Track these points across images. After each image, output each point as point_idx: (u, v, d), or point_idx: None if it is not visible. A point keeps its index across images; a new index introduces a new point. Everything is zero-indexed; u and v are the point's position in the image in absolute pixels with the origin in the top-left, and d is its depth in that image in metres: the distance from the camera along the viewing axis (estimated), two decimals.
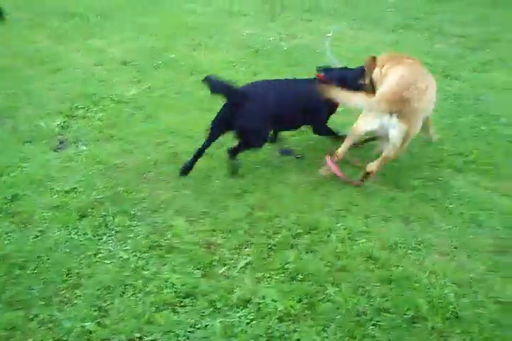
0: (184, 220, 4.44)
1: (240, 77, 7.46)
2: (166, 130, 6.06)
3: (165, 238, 4.23)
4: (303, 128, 5.59)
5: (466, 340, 3.35)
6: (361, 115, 4.95)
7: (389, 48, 9.19)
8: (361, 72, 5.54)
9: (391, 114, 4.70)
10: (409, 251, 4.12)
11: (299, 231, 4.29)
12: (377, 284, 3.76)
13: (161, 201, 4.71)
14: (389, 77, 5.15)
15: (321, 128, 5.48)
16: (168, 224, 4.40)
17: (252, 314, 3.49)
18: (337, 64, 6.72)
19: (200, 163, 5.13)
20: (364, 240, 4.21)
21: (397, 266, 3.93)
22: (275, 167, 5.29)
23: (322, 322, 3.45)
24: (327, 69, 5.57)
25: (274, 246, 4.13)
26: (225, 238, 4.24)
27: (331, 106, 5.37)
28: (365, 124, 4.89)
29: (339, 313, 3.52)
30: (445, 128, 6.15)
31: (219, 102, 4.88)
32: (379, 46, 9.32)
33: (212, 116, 4.95)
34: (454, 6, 12.95)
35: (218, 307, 3.56)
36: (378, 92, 5.06)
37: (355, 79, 5.51)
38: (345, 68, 5.73)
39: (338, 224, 4.38)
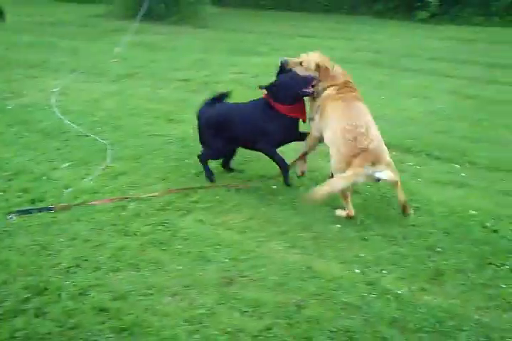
0: None
1: None
2: None
3: None
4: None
5: None
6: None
7: (115, 98, 9.40)
8: (308, 80, 5.69)
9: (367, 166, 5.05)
10: (141, 298, 4.19)
11: (27, 295, 4.18)
12: (111, 335, 3.78)
13: None
14: (330, 121, 5.49)
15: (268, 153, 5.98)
16: None
17: None
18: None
19: None
20: (95, 293, 4.21)
21: (130, 313, 3.99)
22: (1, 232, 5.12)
23: None
24: (269, 86, 5.85)
25: (2, 315, 3.99)
26: None
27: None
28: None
29: None
30: (171, 171, 6.35)
31: None
32: (105, 97, 9.46)
33: None
34: (171, 54, 13.50)
35: None
36: (337, 155, 5.27)
37: (297, 88, 5.73)
38: (287, 76, 5.84)
39: (68, 282, 4.34)
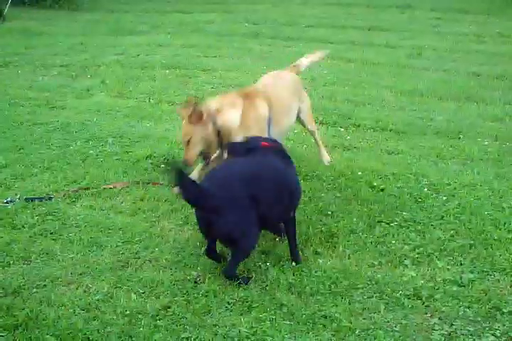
0: None
1: None
2: None
3: None
4: None
5: None
6: None
7: None
8: None
9: None
10: (34, 290, 4.07)
11: None
12: (3, 334, 3.64)
13: None
14: None
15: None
16: None
17: None
18: None
19: None
20: None
21: (23, 308, 3.86)
22: None
23: None
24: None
25: None
26: None
27: None
28: None
29: None
30: (56, 160, 6.20)
31: None
32: None
33: None
34: (49, 39, 13.09)
35: None
36: None
37: None
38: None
39: None
